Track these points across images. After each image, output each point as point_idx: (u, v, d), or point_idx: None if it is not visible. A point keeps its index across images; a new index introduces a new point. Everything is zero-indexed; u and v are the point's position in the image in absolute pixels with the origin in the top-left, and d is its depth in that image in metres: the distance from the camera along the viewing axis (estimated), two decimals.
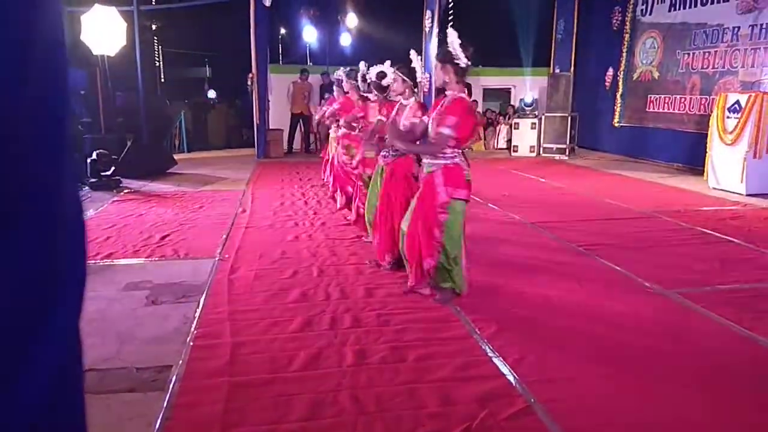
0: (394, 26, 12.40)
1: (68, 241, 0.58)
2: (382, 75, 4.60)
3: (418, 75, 4.11)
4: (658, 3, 9.93)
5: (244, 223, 5.61)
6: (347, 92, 5.82)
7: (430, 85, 9.61)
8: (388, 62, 4.81)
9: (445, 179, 3.40)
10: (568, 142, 11.01)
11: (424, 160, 3.53)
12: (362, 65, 5.10)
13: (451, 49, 3.31)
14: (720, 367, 2.76)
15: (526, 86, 12.52)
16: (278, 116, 11.78)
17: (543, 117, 11.17)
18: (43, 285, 0.54)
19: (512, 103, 13.03)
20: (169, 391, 2.50)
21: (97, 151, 7.40)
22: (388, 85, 4.56)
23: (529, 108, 11.51)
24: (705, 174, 7.64)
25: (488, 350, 2.89)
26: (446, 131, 3.30)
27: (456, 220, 3.43)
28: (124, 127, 9.27)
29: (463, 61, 3.31)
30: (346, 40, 14.07)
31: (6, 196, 0.50)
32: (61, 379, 0.57)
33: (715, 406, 2.43)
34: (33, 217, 0.52)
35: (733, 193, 7.01)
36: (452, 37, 3.33)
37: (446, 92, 3.45)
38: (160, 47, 17.80)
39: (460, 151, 3.44)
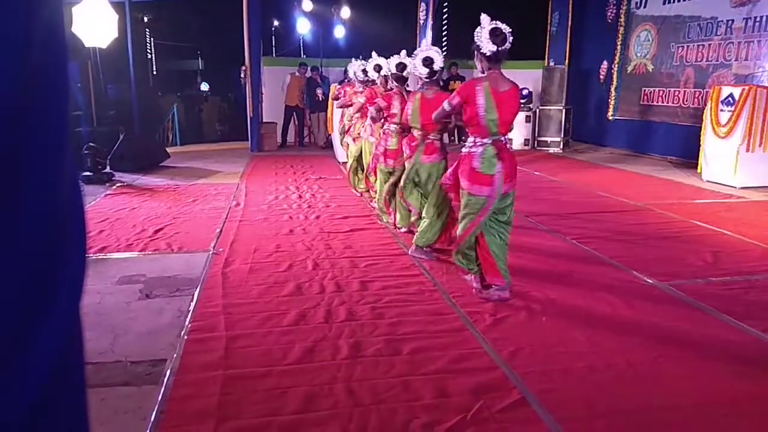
0: (388, 19, 12.36)
1: (68, 230, 0.58)
2: (402, 66, 4.80)
3: (436, 65, 4.21)
4: None
5: (238, 217, 5.59)
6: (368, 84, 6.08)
7: None
8: (403, 52, 4.92)
9: (457, 167, 3.55)
10: (562, 135, 11.02)
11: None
12: (395, 58, 5.12)
13: (476, 37, 3.32)
14: (713, 358, 2.78)
15: (522, 79, 12.51)
16: (272, 109, 11.72)
17: (537, 110, 11.17)
18: (42, 272, 0.54)
19: None
20: (164, 384, 2.50)
21: (89, 144, 7.35)
22: (407, 77, 4.78)
23: (524, 101, 11.51)
24: (699, 167, 7.67)
25: (483, 342, 2.90)
26: (440, 108, 3.63)
27: (466, 213, 3.48)
28: (116, 120, 9.21)
29: (485, 47, 3.30)
30: (339, 32, 14.02)
31: (8, 180, 0.50)
32: (61, 370, 0.57)
33: (707, 397, 2.45)
34: (33, 204, 0.52)
35: (727, 186, 7.05)
36: (484, 22, 3.32)
37: None
38: (152, 39, 17.68)
39: (480, 139, 3.41)
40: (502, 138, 3.44)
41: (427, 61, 4.16)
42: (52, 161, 0.55)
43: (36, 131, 0.52)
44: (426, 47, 4.57)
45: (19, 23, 0.49)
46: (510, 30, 3.33)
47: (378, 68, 5.79)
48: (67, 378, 0.60)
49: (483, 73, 3.45)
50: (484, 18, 3.32)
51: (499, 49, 3.31)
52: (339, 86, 8.34)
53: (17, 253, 0.51)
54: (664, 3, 9.65)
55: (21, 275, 0.51)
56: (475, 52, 3.39)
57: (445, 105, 3.54)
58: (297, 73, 11.56)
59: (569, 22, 11.77)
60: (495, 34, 3.28)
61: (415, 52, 4.34)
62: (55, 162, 0.55)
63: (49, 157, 0.54)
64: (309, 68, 11.62)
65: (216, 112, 18.83)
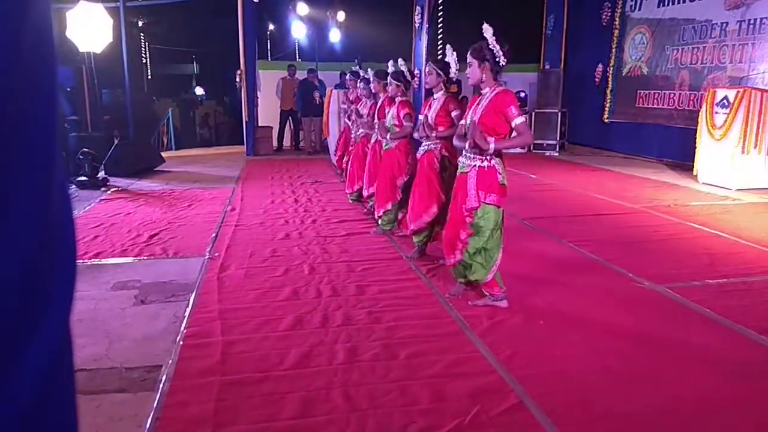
0: (383, 22, 12.39)
1: (58, 237, 0.57)
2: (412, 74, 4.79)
3: (452, 70, 4.01)
4: None
5: (234, 222, 5.58)
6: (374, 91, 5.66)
7: (420, 82, 9.62)
8: (400, 60, 4.90)
9: (478, 182, 3.27)
10: (558, 138, 11.05)
11: (460, 160, 3.42)
12: (390, 64, 5.02)
13: (491, 46, 3.18)
14: (710, 360, 2.78)
15: (517, 82, 12.54)
16: (267, 113, 11.71)
17: (533, 113, 11.20)
18: (33, 281, 0.53)
19: None
20: (160, 390, 2.48)
21: (83, 150, 7.32)
22: (410, 82, 4.70)
23: (520, 104, 11.54)
24: (694, 169, 7.69)
25: (480, 346, 2.89)
26: (523, 119, 3.22)
27: (487, 226, 3.31)
28: (111, 125, 9.18)
29: (502, 59, 3.20)
30: (335, 36, 14.02)
31: None
32: (50, 381, 0.56)
33: (705, 399, 2.44)
34: (22, 210, 0.51)
35: (722, 188, 7.07)
36: (488, 33, 3.18)
37: (482, 90, 3.32)
38: (146, 44, 17.66)
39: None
40: None
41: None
42: (41, 170, 0.54)
43: (24, 140, 0.52)
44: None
45: (6, 29, 0.48)
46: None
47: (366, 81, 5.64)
48: (57, 389, 0.59)
49: (488, 83, 3.27)
50: (488, 29, 3.19)
51: (497, 61, 3.23)
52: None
53: (6, 266, 0.50)
54: (658, 6, 9.70)
55: (11, 286, 0.50)
56: (486, 64, 3.21)
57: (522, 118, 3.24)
58: (287, 77, 11.54)
59: (564, 25, 11.82)
60: (501, 44, 3.20)
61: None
62: (44, 170, 0.54)
63: (38, 166, 0.53)
64: (306, 70, 11.59)
65: (211, 116, 18.84)
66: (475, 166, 3.28)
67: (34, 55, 0.52)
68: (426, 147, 4.11)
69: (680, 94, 9.21)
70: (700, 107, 7.72)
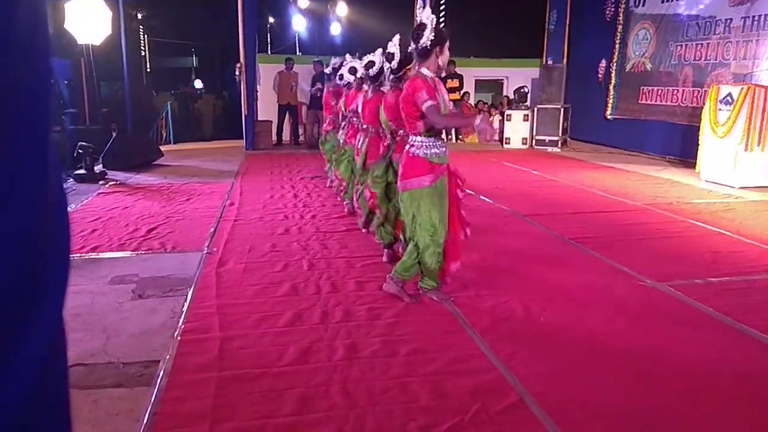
0: (385, 16, 12.34)
1: (52, 231, 0.57)
2: (370, 64, 4.56)
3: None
4: None
5: (233, 216, 5.54)
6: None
7: None
8: (378, 50, 4.75)
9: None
10: (560, 134, 11.00)
11: (440, 151, 3.34)
12: (348, 57, 4.94)
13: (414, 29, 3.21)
14: (710, 359, 2.76)
15: (519, 77, 12.49)
16: (267, 107, 11.66)
17: (536, 109, 11.14)
18: (26, 277, 0.52)
19: (505, 94, 12.98)
20: (157, 385, 2.46)
21: (81, 143, 7.28)
22: (379, 75, 4.51)
23: (522, 99, 11.48)
24: (697, 166, 7.65)
25: (480, 344, 2.87)
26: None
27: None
28: (109, 118, 9.14)
29: (421, 42, 3.17)
30: (336, 29, 13.98)
31: None
32: (46, 375, 0.56)
33: (707, 398, 2.42)
34: (15, 205, 0.51)
35: (725, 185, 7.03)
36: (424, 15, 3.23)
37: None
38: (145, 36, 17.61)
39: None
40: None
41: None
42: (34, 169, 0.53)
43: (19, 124, 0.50)
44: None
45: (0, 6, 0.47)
46: (435, 26, 3.18)
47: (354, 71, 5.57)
48: (51, 386, 0.58)
49: (420, 66, 3.30)
50: (427, 12, 3.26)
51: (416, 45, 3.20)
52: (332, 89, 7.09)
53: (4, 254, 0.49)
54: (662, 1, 9.64)
55: (3, 284, 0.50)
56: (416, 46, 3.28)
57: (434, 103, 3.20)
58: (284, 70, 11.46)
59: (567, 20, 11.76)
60: (413, 29, 3.19)
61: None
62: (38, 169, 0.54)
63: (31, 165, 0.53)
64: (312, 63, 11.44)
65: (211, 110, 18.79)
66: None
67: (29, 38, 0.51)
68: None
69: (683, 90, 9.16)
70: (704, 104, 7.67)
